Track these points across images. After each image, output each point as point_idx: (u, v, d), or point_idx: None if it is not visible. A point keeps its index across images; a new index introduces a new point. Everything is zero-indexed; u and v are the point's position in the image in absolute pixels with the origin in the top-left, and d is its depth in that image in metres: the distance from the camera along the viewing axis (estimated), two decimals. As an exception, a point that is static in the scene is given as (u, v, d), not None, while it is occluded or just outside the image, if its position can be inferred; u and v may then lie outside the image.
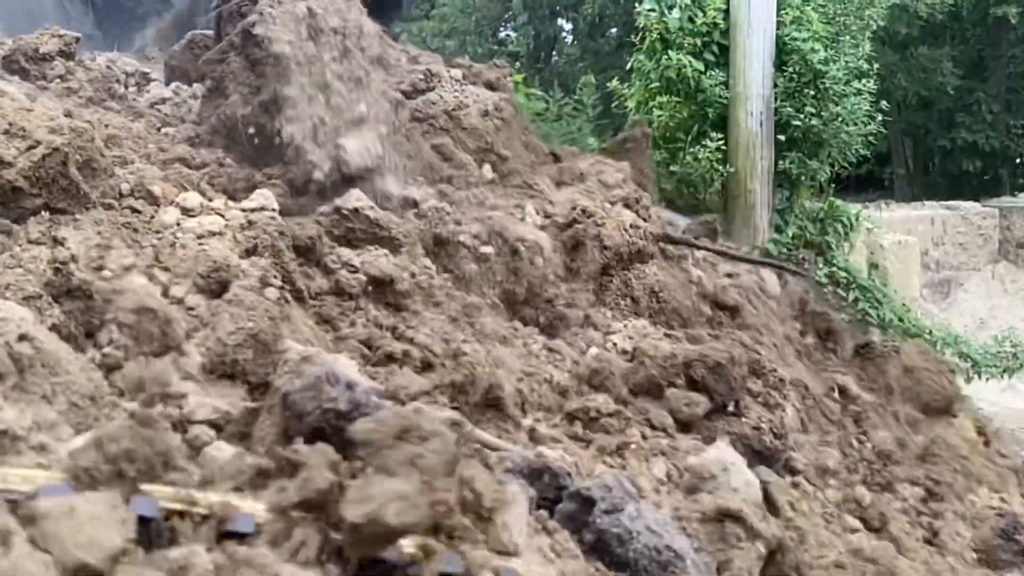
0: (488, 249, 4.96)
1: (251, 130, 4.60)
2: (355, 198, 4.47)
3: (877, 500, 4.71)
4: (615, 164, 6.38)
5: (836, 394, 5.60)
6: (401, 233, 4.49)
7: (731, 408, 4.52)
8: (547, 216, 5.58)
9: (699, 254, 6.43)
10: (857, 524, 4.50)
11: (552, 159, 6.57)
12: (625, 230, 5.53)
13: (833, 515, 4.46)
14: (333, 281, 4.13)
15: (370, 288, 4.18)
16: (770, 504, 4.03)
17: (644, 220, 5.84)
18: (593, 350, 4.76)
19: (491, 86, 6.44)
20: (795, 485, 4.45)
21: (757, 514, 3.39)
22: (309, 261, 4.13)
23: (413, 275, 4.37)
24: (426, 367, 3.83)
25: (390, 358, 3.79)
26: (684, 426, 4.34)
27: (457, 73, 6.30)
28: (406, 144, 5.36)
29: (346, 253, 4.28)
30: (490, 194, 5.55)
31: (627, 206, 5.86)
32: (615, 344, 4.89)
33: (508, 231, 5.15)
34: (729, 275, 6.35)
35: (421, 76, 6.03)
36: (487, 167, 5.88)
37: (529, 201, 5.64)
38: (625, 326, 5.13)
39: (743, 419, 4.46)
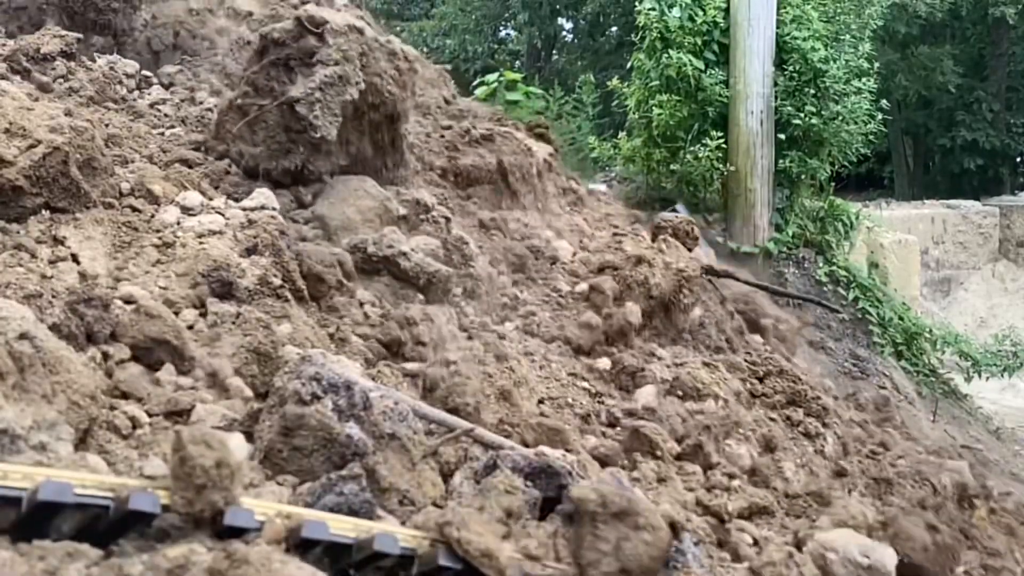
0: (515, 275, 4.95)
1: (272, 180, 4.49)
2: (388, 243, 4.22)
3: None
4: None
5: None
6: (427, 274, 4.25)
7: None
8: (585, 250, 5.55)
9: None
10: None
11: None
12: (675, 270, 5.28)
13: None
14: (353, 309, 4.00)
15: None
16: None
17: (690, 249, 5.69)
18: (650, 388, 4.50)
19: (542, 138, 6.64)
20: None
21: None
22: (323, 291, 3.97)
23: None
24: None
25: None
26: None
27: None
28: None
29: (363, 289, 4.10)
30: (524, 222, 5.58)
31: (675, 235, 5.72)
32: (653, 374, 4.74)
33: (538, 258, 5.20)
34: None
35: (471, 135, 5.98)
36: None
37: (563, 237, 5.65)
38: (661, 357, 4.93)
39: None
